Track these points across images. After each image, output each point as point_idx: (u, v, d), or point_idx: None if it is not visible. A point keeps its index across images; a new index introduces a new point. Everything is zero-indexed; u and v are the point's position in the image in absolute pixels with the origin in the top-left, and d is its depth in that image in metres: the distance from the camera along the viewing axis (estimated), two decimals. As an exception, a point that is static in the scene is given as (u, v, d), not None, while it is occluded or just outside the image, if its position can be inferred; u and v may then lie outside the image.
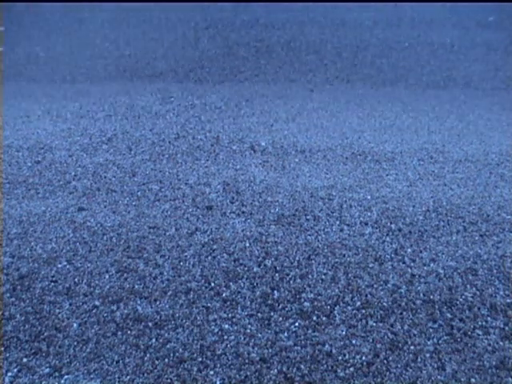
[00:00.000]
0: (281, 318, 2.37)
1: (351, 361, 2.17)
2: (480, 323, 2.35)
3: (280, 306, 2.44)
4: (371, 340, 2.26)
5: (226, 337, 2.28)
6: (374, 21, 7.07)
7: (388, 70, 5.75)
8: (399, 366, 2.15)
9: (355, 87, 5.28)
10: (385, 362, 2.16)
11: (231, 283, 2.58)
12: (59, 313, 2.40)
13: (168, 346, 2.23)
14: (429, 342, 2.25)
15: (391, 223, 3.04)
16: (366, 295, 2.50)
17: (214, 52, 6.21)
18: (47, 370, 2.13)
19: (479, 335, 2.28)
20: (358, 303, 2.46)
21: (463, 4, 7.67)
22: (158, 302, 2.46)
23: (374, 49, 6.29)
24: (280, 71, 5.71)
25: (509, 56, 5.99)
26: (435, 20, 7.14)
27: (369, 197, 3.31)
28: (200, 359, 2.17)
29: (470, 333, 2.30)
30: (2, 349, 2.22)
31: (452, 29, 6.86)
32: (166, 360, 2.17)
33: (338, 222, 3.05)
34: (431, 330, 2.31)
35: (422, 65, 5.85)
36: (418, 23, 7.03)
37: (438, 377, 2.10)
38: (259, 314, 2.40)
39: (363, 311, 2.41)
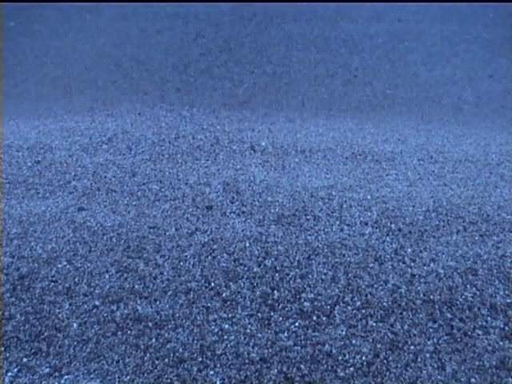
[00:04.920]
0: (281, 318, 2.37)
1: (351, 361, 2.17)
2: (480, 323, 2.35)
3: (280, 306, 2.44)
4: (371, 340, 2.26)
5: (226, 337, 2.28)
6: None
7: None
8: (399, 365, 2.15)
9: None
10: (385, 361, 2.16)
11: (231, 283, 2.58)
12: (59, 313, 2.40)
13: (168, 346, 2.23)
14: (429, 342, 2.25)
15: (391, 223, 3.04)
16: (366, 295, 2.50)
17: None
18: (47, 370, 2.13)
19: (479, 335, 2.28)
20: (358, 303, 2.46)
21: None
22: (158, 302, 2.46)
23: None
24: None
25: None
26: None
27: (369, 197, 3.31)
28: (200, 359, 2.17)
29: (470, 333, 2.30)
30: (2, 349, 2.22)
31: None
32: (166, 360, 2.17)
33: (338, 222, 3.05)
34: (431, 330, 2.31)
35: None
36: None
37: (438, 377, 2.10)
38: (259, 314, 2.40)
39: (363, 311, 2.41)
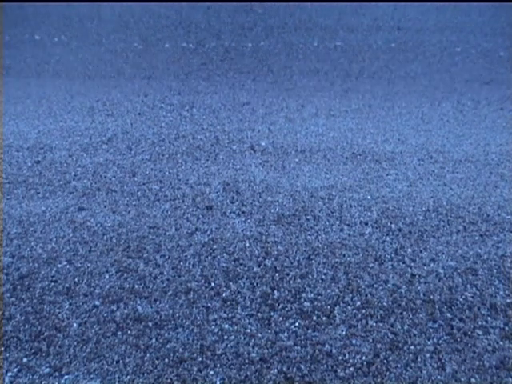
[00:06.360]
0: (281, 318, 2.37)
1: (351, 361, 2.17)
2: (480, 323, 2.35)
3: (280, 306, 2.44)
4: (371, 340, 2.26)
5: (226, 337, 2.28)
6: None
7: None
8: (399, 365, 2.15)
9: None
10: (385, 361, 2.16)
11: (231, 283, 2.58)
12: (59, 313, 2.40)
13: (168, 346, 2.23)
14: (429, 342, 2.25)
15: (391, 223, 3.04)
16: (366, 295, 2.50)
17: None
18: (47, 370, 2.13)
19: (479, 335, 2.28)
20: (358, 303, 2.46)
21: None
22: (158, 302, 2.46)
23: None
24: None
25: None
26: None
27: (369, 197, 3.31)
28: (200, 359, 2.17)
29: (470, 333, 2.30)
30: (2, 349, 2.22)
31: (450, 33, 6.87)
32: (166, 360, 2.17)
33: (338, 222, 3.05)
34: (431, 330, 2.31)
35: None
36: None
37: (438, 377, 2.10)
38: (259, 314, 2.40)
39: (363, 311, 2.41)
